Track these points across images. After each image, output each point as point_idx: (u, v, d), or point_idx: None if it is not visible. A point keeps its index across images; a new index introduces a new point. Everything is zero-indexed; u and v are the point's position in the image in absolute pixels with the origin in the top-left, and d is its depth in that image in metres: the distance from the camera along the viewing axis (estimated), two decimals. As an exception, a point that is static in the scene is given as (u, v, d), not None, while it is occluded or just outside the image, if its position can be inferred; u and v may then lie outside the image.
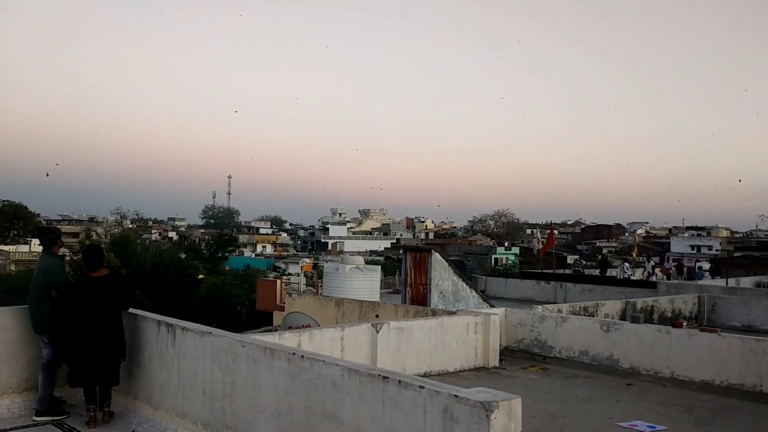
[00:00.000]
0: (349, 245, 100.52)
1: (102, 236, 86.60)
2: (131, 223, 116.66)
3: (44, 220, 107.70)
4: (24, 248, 76.83)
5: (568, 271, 38.78)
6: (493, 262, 57.85)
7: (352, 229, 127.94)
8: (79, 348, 6.53)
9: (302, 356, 4.99)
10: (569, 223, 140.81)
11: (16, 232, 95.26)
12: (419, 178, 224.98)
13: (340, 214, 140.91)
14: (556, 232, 42.84)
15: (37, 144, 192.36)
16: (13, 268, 62.97)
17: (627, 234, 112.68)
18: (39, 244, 7.55)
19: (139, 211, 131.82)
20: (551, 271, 32.92)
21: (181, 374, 6.14)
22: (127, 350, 6.73)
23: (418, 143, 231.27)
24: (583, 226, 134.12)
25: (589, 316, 14.39)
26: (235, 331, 6.43)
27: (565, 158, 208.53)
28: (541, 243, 38.36)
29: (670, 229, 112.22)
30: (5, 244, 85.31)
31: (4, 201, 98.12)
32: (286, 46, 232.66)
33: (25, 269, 58.43)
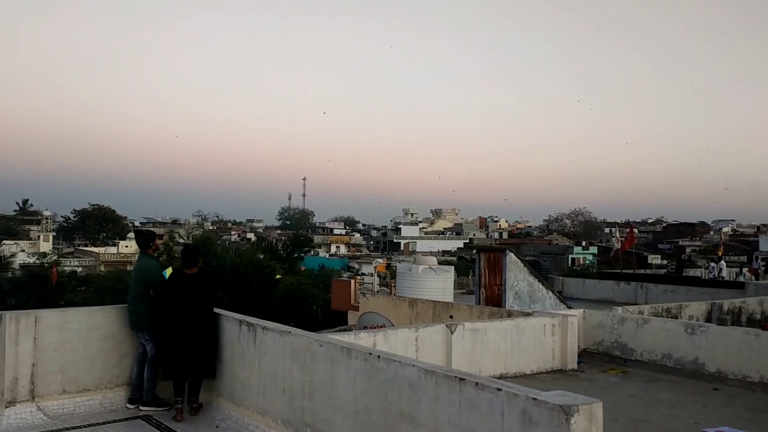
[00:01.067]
0: (421, 245, 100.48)
1: (184, 238, 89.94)
2: (212, 225, 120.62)
3: (130, 222, 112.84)
4: (112, 250, 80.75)
5: (658, 272, 37.41)
6: (569, 262, 56.49)
7: (424, 229, 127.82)
8: (172, 341, 6.87)
9: (378, 356, 5.04)
10: (650, 221, 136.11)
11: (105, 235, 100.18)
12: (492, 178, 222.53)
13: (412, 215, 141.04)
14: (635, 230, 41.37)
15: (123, 151, 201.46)
16: (102, 268, 66.23)
17: (712, 232, 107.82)
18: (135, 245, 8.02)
19: (219, 213, 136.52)
20: (631, 271, 31.90)
21: (262, 372, 6.32)
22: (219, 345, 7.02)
23: (491, 142, 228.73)
24: (664, 225, 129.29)
25: (672, 317, 13.86)
26: (311, 329, 6.57)
27: (645, 155, 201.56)
28: (620, 242, 37.16)
29: (758, 227, 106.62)
30: (95, 245, 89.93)
31: (94, 205, 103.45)
32: (358, 49, 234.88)
33: (113, 270, 61.46)
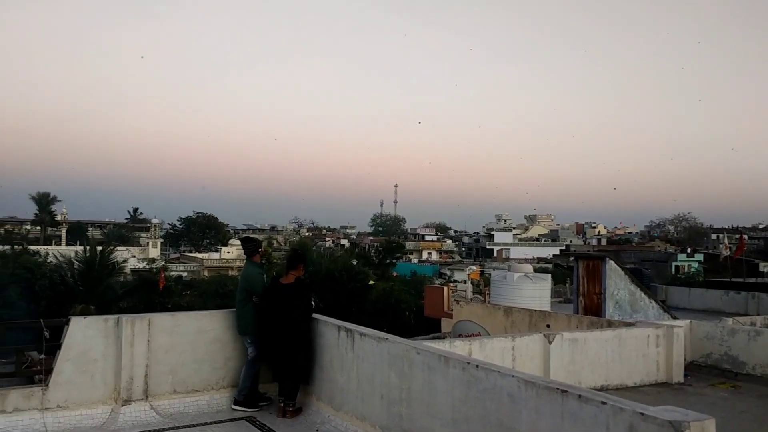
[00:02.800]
0: (515, 252, 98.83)
1: (282, 244, 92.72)
2: (307, 231, 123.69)
3: (231, 229, 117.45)
4: (215, 256, 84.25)
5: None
6: (673, 270, 53.87)
7: (518, 236, 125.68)
8: (269, 347, 7.16)
9: (477, 366, 5.01)
10: (761, 227, 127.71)
11: (208, 241, 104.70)
12: (588, 183, 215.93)
13: (505, 221, 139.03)
14: (745, 237, 39.01)
15: (225, 160, 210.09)
16: (206, 273, 69.13)
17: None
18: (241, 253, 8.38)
19: (314, 220, 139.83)
20: (741, 279, 30.08)
21: (360, 378, 6.42)
22: (313, 353, 7.21)
23: (587, 146, 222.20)
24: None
25: (789, 330, 12.97)
26: (404, 336, 6.63)
27: (753, 158, 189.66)
28: (729, 249, 35.15)
29: None
30: (199, 251, 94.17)
31: (198, 213, 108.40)
32: (450, 58, 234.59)
33: (216, 275, 64.08)
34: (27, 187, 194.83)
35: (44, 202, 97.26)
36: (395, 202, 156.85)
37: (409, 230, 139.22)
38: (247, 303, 7.48)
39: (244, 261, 8.18)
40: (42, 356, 7.74)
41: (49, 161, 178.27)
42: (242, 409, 7.25)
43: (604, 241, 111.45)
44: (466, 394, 5.04)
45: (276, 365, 7.18)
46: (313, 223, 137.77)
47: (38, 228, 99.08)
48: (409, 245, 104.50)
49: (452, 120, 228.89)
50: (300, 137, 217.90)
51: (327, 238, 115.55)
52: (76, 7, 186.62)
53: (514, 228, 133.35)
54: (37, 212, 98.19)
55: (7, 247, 52.03)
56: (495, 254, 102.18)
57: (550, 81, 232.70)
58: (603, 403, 3.95)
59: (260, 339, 7.33)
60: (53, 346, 7.21)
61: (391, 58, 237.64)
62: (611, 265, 17.65)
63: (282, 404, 7.10)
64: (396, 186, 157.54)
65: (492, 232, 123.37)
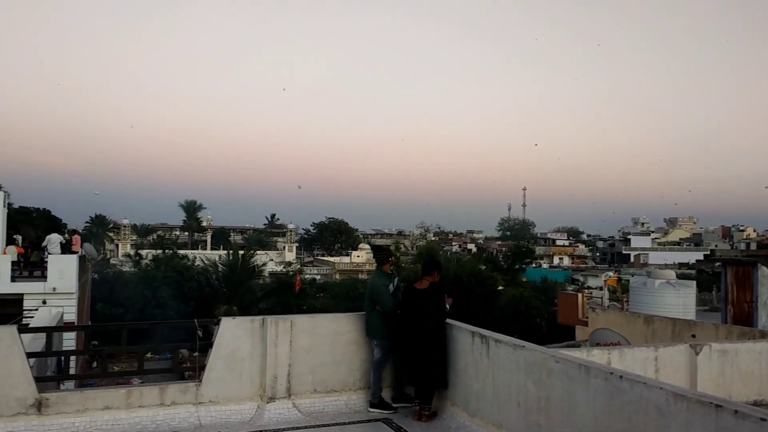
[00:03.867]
0: (654, 257, 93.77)
1: (408, 248, 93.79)
2: (434, 236, 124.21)
3: (361, 234, 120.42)
4: (346, 259, 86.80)
5: None
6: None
7: (656, 240, 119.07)
8: (404, 351, 7.32)
9: (620, 376, 4.83)
10: None
11: (339, 245, 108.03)
12: (737, 182, 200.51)
13: (643, 224, 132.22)
14: None
15: (355, 166, 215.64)
16: (337, 276, 71.32)
17: None
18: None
19: (440, 224, 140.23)
20: None
21: (496, 385, 6.38)
22: (448, 358, 7.26)
23: (734, 142, 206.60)
24: None
25: None
26: (536, 343, 6.50)
27: None
28: None
29: None
30: (331, 255, 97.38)
31: (330, 218, 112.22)
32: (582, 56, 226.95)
33: (347, 278, 65.94)
34: (177, 196, 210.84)
35: (192, 209, 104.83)
36: (524, 205, 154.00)
37: (538, 234, 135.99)
38: (372, 309, 7.68)
39: (375, 266, 8.36)
40: (196, 354, 8.32)
41: (195, 171, 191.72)
42: (378, 411, 7.43)
43: (753, 246, 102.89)
44: (609, 406, 4.87)
45: (411, 369, 7.29)
46: (439, 228, 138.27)
47: (186, 233, 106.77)
48: (539, 250, 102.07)
49: (582, 120, 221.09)
50: (424, 138, 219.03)
51: (453, 243, 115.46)
52: (220, 26, 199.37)
53: (652, 231, 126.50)
54: (185, 219, 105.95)
55: (160, 251, 56.45)
56: (632, 259, 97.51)
57: (693, 78, 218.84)
58: (762, 419, 3.68)
59: (395, 343, 7.47)
60: (205, 345, 7.76)
61: (514, 61, 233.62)
62: (764, 271, 16.30)
63: (418, 408, 7.21)
64: (524, 189, 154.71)
65: (628, 236, 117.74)
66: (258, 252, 65.40)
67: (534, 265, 77.20)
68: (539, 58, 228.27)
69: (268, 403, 7.29)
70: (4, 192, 27.96)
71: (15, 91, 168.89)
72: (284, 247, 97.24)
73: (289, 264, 71.74)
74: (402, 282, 8.17)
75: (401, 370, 7.54)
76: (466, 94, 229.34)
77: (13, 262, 23.65)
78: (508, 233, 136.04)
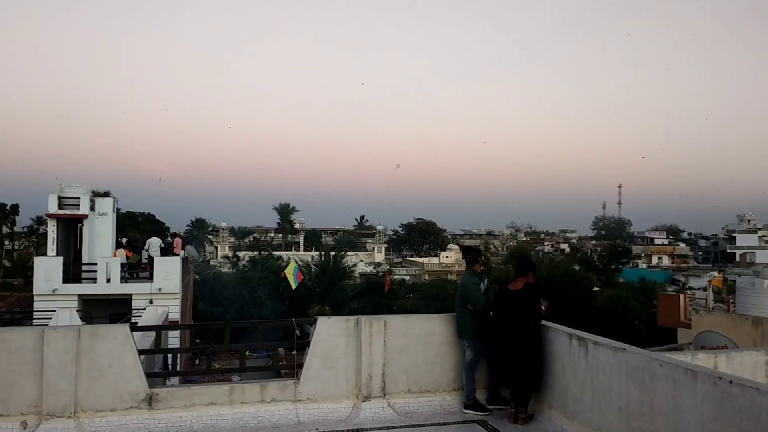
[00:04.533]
0: (762, 256, 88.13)
1: (499, 248, 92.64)
2: (525, 236, 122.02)
3: (449, 234, 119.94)
4: (434, 260, 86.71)
5: None
6: None
7: (764, 238, 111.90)
8: (498, 353, 7.27)
9: (730, 381, 4.60)
10: None
11: (428, 246, 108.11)
12: None
13: (749, 221, 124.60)
14: None
15: (440, 166, 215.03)
16: (426, 277, 71.38)
17: None
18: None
19: (531, 224, 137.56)
20: None
21: (595, 388, 6.21)
22: (543, 360, 7.15)
23: None
24: None
25: None
26: (634, 346, 6.27)
27: None
28: None
29: None
30: (419, 256, 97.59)
31: (418, 219, 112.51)
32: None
33: (436, 279, 65.88)
34: (271, 199, 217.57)
35: (285, 211, 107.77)
36: (619, 203, 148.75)
37: (635, 233, 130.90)
38: (464, 309, 7.64)
39: (464, 267, 8.31)
40: (294, 352, 8.57)
41: (289, 174, 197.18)
42: (473, 412, 7.39)
43: None
44: (718, 412, 4.64)
45: (506, 371, 7.22)
46: (530, 227, 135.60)
47: (280, 235, 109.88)
48: (636, 249, 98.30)
49: (678, 113, 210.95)
50: (516, 139, 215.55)
51: (545, 243, 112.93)
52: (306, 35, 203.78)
53: (759, 229, 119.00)
54: (279, 221, 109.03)
55: (256, 252, 58.39)
56: (737, 258, 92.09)
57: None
58: None
59: (487, 345, 7.42)
60: (301, 344, 7.96)
61: (607, 55, 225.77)
62: None
63: (513, 410, 7.12)
64: (620, 186, 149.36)
65: (733, 234, 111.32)
66: (348, 253, 66.40)
67: (631, 265, 74.41)
68: (632, 52, 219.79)
69: (363, 402, 7.39)
70: (113, 198, 29.80)
71: (121, 105, 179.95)
72: (373, 248, 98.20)
73: (379, 265, 72.40)
74: (493, 283, 8.09)
75: (494, 372, 7.49)
76: (558, 89, 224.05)
77: (121, 264, 25.13)
78: (603, 232, 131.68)
